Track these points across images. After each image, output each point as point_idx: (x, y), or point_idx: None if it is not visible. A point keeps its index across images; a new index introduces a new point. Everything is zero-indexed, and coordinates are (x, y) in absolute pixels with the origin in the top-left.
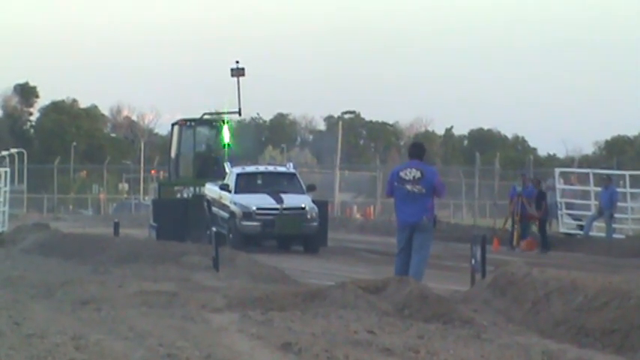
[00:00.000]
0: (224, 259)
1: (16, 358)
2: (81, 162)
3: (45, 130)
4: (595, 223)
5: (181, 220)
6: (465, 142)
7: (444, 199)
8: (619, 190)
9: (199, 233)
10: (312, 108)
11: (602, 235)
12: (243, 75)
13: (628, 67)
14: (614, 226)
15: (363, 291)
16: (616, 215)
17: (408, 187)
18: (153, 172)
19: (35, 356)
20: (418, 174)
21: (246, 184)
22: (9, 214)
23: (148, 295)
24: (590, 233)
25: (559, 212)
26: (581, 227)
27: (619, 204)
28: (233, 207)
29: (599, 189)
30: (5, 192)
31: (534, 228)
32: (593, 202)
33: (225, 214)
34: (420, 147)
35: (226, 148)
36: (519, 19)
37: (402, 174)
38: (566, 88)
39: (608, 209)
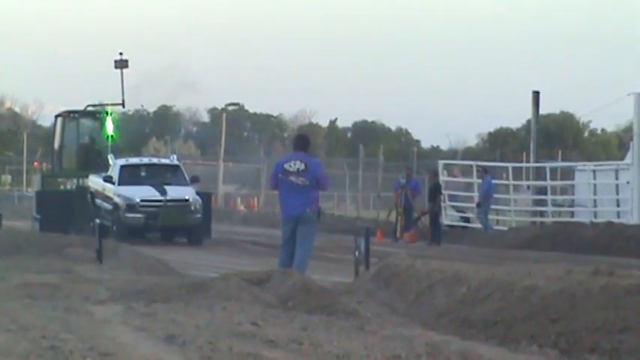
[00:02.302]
0: (107, 251)
1: None
2: None
3: None
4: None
5: (65, 212)
6: (349, 134)
7: (327, 191)
8: (502, 182)
9: (83, 225)
10: (197, 100)
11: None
12: (126, 67)
13: (509, 59)
14: (499, 218)
15: (247, 283)
16: (499, 207)
17: (292, 178)
18: (36, 163)
19: None
20: (302, 166)
21: (129, 175)
22: None
23: (31, 288)
24: (472, 225)
25: (442, 204)
26: (464, 219)
27: (502, 196)
28: (117, 199)
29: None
30: None
31: (421, 219)
32: (476, 194)
33: (109, 206)
34: (304, 139)
35: (110, 140)
36: (399, 7)
37: (286, 166)
38: (450, 80)
39: (483, 200)
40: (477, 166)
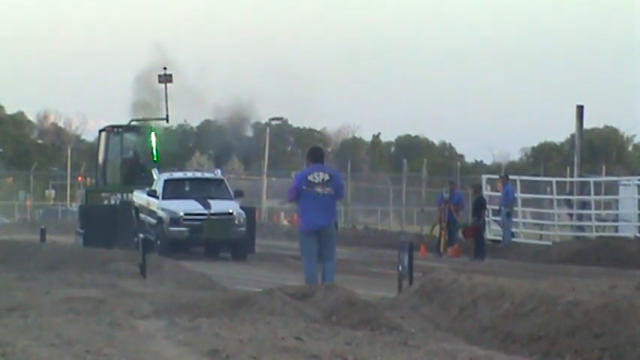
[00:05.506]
0: (151, 266)
1: None
2: (7, 168)
3: None
4: (524, 230)
5: (109, 226)
6: (393, 149)
7: (342, 200)
8: (546, 196)
9: (127, 240)
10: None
11: (529, 241)
12: (170, 81)
13: (553, 73)
14: (542, 232)
15: (291, 297)
16: (543, 222)
17: (319, 189)
18: (80, 178)
19: None
20: (327, 176)
21: (173, 190)
22: None
23: (74, 302)
24: (516, 240)
25: (486, 219)
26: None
27: (546, 210)
28: (160, 213)
29: (526, 195)
30: None
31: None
32: (521, 209)
33: (153, 220)
34: (321, 151)
35: (156, 162)
36: (442, 24)
37: (310, 177)
38: (493, 94)
39: (504, 207)
40: (500, 176)
